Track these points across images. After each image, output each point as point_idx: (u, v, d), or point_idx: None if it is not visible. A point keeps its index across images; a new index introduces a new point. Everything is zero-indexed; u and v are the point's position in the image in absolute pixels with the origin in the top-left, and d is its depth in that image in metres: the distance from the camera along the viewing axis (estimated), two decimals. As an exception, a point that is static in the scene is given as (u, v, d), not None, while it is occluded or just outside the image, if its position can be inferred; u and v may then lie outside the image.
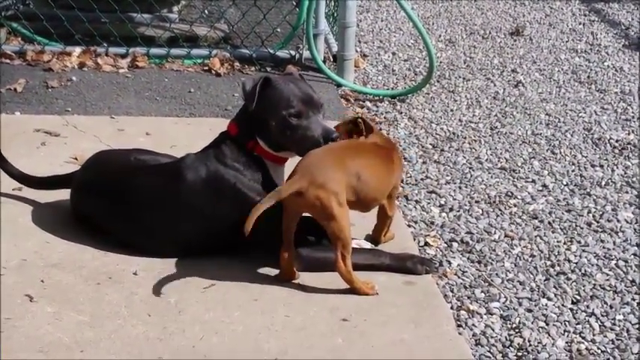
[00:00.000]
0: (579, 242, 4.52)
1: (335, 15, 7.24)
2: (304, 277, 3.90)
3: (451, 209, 4.82)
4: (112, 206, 4.12)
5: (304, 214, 3.83)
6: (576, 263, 4.33)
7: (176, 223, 4.01)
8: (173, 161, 4.16)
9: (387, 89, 6.75)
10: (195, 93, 6.27)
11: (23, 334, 3.47)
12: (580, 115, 6.32)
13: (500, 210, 4.83)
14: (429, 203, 4.88)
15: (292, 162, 4.05)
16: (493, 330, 3.78)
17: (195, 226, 4.00)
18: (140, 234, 4.06)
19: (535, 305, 3.96)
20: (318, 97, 4.06)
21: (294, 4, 7.91)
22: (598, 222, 4.74)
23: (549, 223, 4.71)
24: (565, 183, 5.20)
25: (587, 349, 3.70)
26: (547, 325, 3.83)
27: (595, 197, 5.03)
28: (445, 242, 4.47)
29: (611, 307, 3.98)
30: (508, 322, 3.84)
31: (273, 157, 4.04)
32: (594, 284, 4.15)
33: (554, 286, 4.12)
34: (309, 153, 3.84)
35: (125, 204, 4.09)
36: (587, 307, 3.97)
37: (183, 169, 4.02)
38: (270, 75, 4.06)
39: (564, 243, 4.52)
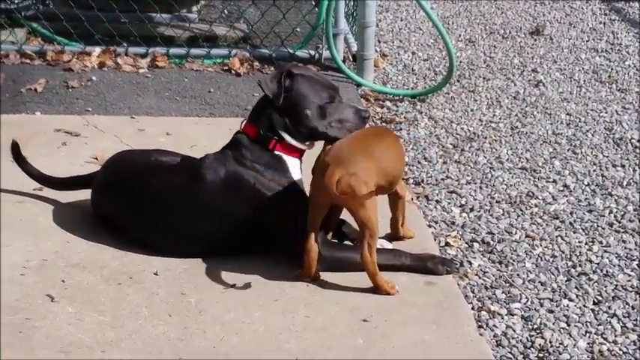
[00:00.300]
0: (601, 243, 4.50)
1: (354, 14, 7.23)
2: (325, 277, 3.90)
3: (472, 209, 4.80)
4: (132, 206, 4.13)
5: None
6: (598, 264, 4.31)
7: (196, 224, 4.02)
8: (192, 162, 4.16)
9: (407, 89, 6.73)
10: (214, 93, 6.27)
11: (44, 334, 3.48)
12: (601, 114, 6.29)
13: (521, 210, 4.81)
14: (449, 203, 4.87)
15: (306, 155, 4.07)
16: (514, 331, 3.77)
17: (215, 226, 4.01)
18: (160, 234, 4.07)
19: (556, 306, 3.95)
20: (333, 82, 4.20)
21: (314, 3, 7.89)
22: (620, 222, 4.72)
23: (570, 223, 4.69)
24: (586, 183, 5.18)
25: (608, 350, 3.68)
26: (568, 326, 3.81)
27: (616, 197, 5.00)
28: (466, 242, 4.46)
29: (632, 307, 3.96)
30: (529, 322, 3.83)
31: (295, 152, 4.06)
32: (616, 285, 4.13)
33: (576, 287, 4.10)
34: (336, 143, 3.89)
35: (145, 204, 4.10)
36: (609, 308, 3.95)
37: (202, 170, 4.03)
38: (287, 68, 4.08)
39: (586, 243, 4.50)
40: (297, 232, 3.85)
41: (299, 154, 4.09)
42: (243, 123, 4.11)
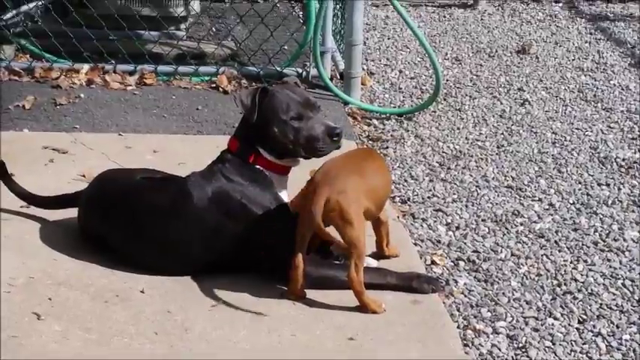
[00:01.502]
0: (586, 261, 4.53)
1: (342, 33, 7.26)
2: (311, 296, 3.90)
3: (458, 228, 4.82)
4: (119, 225, 4.13)
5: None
6: (583, 282, 4.33)
7: (182, 242, 4.02)
8: (178, 180, 4.17)
9: (394, 107, 6.76)
10: (202, 110, 6.29)
11: (30, 352, 3.48)
12: (586, 133, 6.33)
13: (506, 229, 4.83)
14: (435, 222, 4.89)
15: (295, 173, 4.09)
16: (499, 349, 3.78)
17: (202, 243, 4.01)
18: (146, 253, 4.07)
19: (542, 325, 3.97)
20: (314, 99, 4.13)
21: (301, 22, 7.94)
22: (604, 241, 4.74)
23: (556, 242, 4.71)
24: (571, 202, 5.21)
25: (593, 369, 3.70)
26: (553, 344, 3.83)
27: (601, 216, 5.03)
28: (452, 261, 4.48)
29: (617, 326, 3.98)
30: (515, 341, 3.84)
31: (276, 167, 4.07)
32: (601, 304, 4.15)
33: (561, 306, 4.12)
34: (327, 162, 3.91)
35: (131, 223, 4.10)
36: (594, 326, 3.97)
37: (188, 188, 4.04)
38: (264, 85, 4.10)
39: (571, 262, 4.52)
40: (283, 249, 3.86)
41: (283, 170, 4.10)
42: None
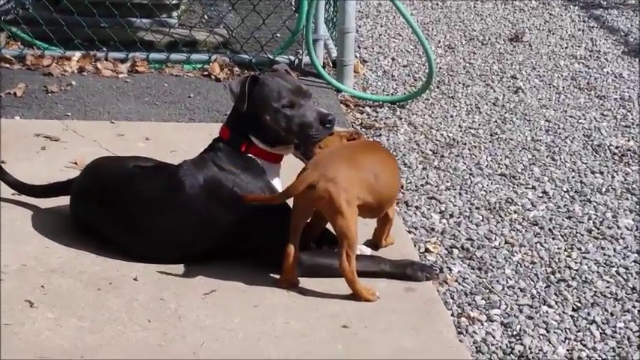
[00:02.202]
0: (580, 249, 4.52)
1: (334, 20, 7.24)
2: (305, 283, 3.90)
3: (451, 215, 4.81)
4: (111, 213, 4.12)
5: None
6: (577, 270, 4.32)
7: (174, 230, 4.01)
8: (170, 167, 4.15)
9: (387, 95, 6.75)
10: (194, 98, 6.27)
11: (23, 339, 3.46)
12: (580, 121, 6.32)
13: (500, 216, 4.83)
14: (429, 209, 4.88)
15: (287, 162, 4.07)
16: (494, 337, 3.77)
17: (193, 231, 4.00)
18: (139, 241, 4.05)
19: (536, 312, 3.96)
20: (305, 87, 4.12)
21: (294, 9, 7.92)
22: (598, 229, 4.74)
23: (550, 229, 4.71)
24: (565, 189, 5.20)
25: (587, 356, 3.69)
26: (548, 332, 3.82)
27: (595, 204, 5.02)
28: (445, 249, 4.47)
29: (612, 314, 3.98)
30: (509, 329, 3.84)
31: (268, 156, 4.06)
32: (595, 291, 4.15)
33: (555, 294, 4.11)
34: (323, 150, 3.88)
35: (123, 211, 4.08)
36: (588, 314, 3.96)
37: (180, 176, 4.02)
38: (254, 73, 4.08)
39: (565, 250, 4.51)
40: (275, 237, 3.85)
41: (275, 158, 4.09)
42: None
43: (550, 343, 3.75)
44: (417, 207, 4.90)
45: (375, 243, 4.23)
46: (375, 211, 3.99)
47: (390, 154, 4.17)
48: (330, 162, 3.78)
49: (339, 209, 3.71)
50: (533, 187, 5.21)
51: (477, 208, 4.91)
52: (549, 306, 4.01)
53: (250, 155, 4.04)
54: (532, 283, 4.20)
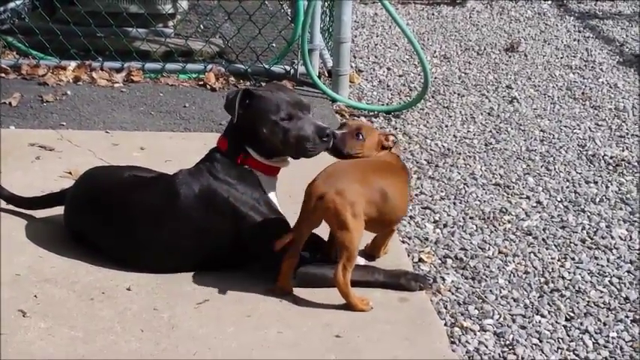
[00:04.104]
0: (573, 259, 4.52)
1: (330, 30, 7.26)
2: (298, 293, 3.90)
3: (445, 225, 4.82)
4: (105, 223, 4.11)
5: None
6: (570, 280, 4.33)
7: (169, 240, 4.00)
8: (166, 178, 4.16)
9: (382, 105, 6.75)
10: (190, 108, 6.27)
11: (16, 349, 3.46)
12: (574, 131, 6.33)
13: (494, 226, 4.83)
14: (423, 219, 4.88)
15: (284, 174, 4.08)
16: (487, 347, 3.78)
17: (188, 242, 4.00)
18: (133, 251, 4.05)
19: (529, 322, 3.96)
20: (307, 100, 4.13)
21: (290, 19, 7.93)
22: (592, 239, 4.74)
23: (543, 239, 4.71)
24: (559, 199, 5.21)
25: (580, 366, 3.70)
26: (541, 342, 3.82)
27: (589, 214, 5.03)
28: (439, 258, 4.47)
29: (604, 324, 3.98)
30: (502, 338, 3.84)
31: (264, 168, 4.06)
32: (588, 301, 4.15)
33: (548, 303, 4.11)
34: (334, 163, 3.92)
35: (118, 221, 4.08)
36: (581, 324, 3.97)
37: (175, 186, 4.02)
38: (249, 87, 4.09)
39: (558, 260, 4.52)
40: (269, 247, 3.85)
41: (272, 171, 4.09)
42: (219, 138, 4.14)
43: (543, 352, 3.75)
44: (411, 217, 4.90)
45: (373, 253, 4.23)
46: (380, 228, 4.03)
47: (402, 175, 4.11)
48: (342, 175, 3.79)
49: (344, 222, 3.71)
50: (528, 197, 5.21)
51: (470, 218, 4.91)
52: (542, 316, 4.01)
53: (246, 167, 4.04)
54: (525, 292, 4.20)
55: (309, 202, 3.74)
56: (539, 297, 4.17)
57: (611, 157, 5.84)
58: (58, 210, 4.38)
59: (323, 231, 3.95)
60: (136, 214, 4.05)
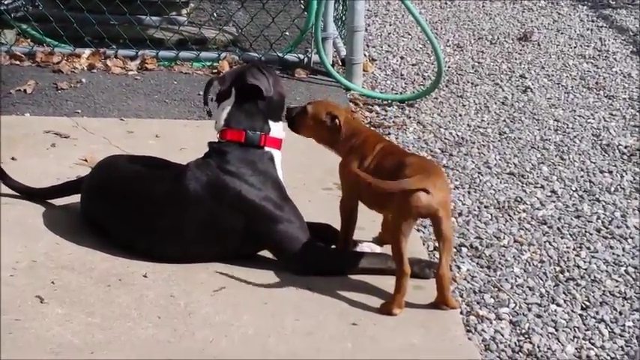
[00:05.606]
0: (588, 248, 4.52)
1: (343, 19, 7.25)
2: (314, 281, 3.90)
3: (460, 214, 4.82)
4: (121, 212, 4.12)
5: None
6: (586, 269, 4.33)
7: (182, 230, 4.00)
8: (179, 167, 4.15)
9: (396, 93, 6.75)
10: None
11: (34, 335, 3.48)
12: (588, 120, 6.32)
13: (509, 215, 4.83)
14: (438, 208, 4.87)
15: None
16: (502, 335, 3.78)
17: (202, 232, 4.00)
18: (147, 240, 4.05)
19: (544, 311, 3.96)
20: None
21: (303, 7, 7.92)
22: (607, 228, 4.74)
23: (558, 228, 4.71)
24: (574, 189, 5.20)
25: (596, 355, 3.69)
26: (556, 331, 3.83)
27: (604, 203, 5.02)
28: (454, 247, 4.47)
29: (620, 313, 3.98)
30: (517, 327, 3.84)
31: (278, 143, 4.13)
32: (604, 290, 4.15)
33: (564, 292, 4.11)
34: (418, 158, 3.98)
35: (133, 210, 4.08)
36: (597, 313, 3.97)
37: (188, 177, 4.02)
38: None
39: (573, 249, 4.51)
40: (292, 236, 3.88)
41: (280, 145, 4.13)
42: (222, 134, 4.12)
43: (559, 341, 3.75)
44: (425, 205, 4.89)
45: (384, 235, 4.23)
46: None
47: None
48: (434, 171, 3.76)
49: (449, 215, 3.73)
50: (542, 187, 5.21)
51: (485, 207, 4.91)
52: (558, 305, 4.02)
53: (267, 149, 4.06)
54: (541, 281, 4.20)
55: (409, 200, 3.66)
56: (554, 286, 4.17)
57: (626, 147, 5.84)
58: (75, 198, 4.39)
59: (330, 222, 3.95)
60: (149, 204, 4.05)
